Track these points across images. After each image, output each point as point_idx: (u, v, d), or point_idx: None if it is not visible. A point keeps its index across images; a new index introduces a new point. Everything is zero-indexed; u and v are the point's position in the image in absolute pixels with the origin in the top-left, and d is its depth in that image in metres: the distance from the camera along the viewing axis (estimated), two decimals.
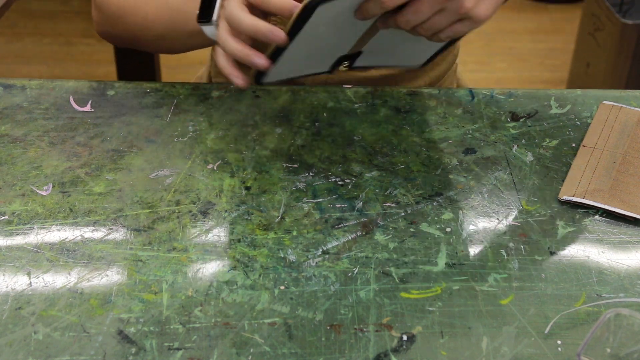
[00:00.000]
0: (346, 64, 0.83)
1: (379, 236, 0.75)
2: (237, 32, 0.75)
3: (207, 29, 0.80)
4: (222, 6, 0.78)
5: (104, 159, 0.84)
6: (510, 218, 0.78)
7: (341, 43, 0.80)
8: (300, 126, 0.89)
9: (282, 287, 0.70)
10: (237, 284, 0.70)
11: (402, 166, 0.84)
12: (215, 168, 0.83)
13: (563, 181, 0.82)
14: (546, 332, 0.66)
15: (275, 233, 0.75)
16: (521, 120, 0.91)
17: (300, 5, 0.71)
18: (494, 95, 0.95)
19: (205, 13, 0.81)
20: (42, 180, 0.80)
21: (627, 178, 0.81)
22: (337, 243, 0.74)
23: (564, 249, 0.74)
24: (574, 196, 0.79)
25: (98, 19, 0.98)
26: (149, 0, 0.91)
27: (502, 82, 2.55)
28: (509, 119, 0.91)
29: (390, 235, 0.75)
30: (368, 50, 0.82)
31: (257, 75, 0.78)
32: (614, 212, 0.78)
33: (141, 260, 0.72)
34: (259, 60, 0.74)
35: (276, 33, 0.73)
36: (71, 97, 0.93)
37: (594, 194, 0.79)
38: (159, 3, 0.90)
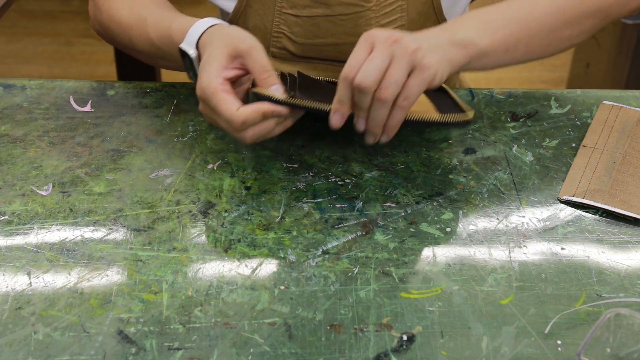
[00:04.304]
0: None
1: (379, 236, 0.75)
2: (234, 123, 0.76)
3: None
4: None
5: (104, 159, 0.84)
6: (510, 218, 0.78)
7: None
8: (301, 126, 0.89)
9: (282, 287, 0.70)
10: (237, 284, 0.70)
11: (402, 166, 0.84)
12: (215, 168, 0.83)
13: (563, 181, 0.82)
14: (546, 332, 0.66)
15: (275, 233, 0.75)
16: (521, 120, 0.91)
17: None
18: (494, 95, 0.95)
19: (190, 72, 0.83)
20: (42, 180, 0.80)
21: (627, 178, 0.81)
22: (337, 243, 0.74)
23: (563, 249, 0.74)
24: (574, 196, 0.79)
25: (92, 16, 0.98)
26: (133, 25, 0.90)
27: (502, 82, 2.55)
28: (509, 119, 0.91)
29: (390, 235, 0.75)
30: None
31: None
32: (614, 212, 0.78)
33: (141, 260, 0.72)
34: (279, 125, 0.77)
35: (278, 109, 0.75)
36: (71, 97, 0.93)
37: (594, 194, 0.79)
38: (141, 31, 0.88)
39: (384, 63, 0.73)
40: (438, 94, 0.84)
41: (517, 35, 0.81)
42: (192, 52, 0.80)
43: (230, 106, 0.74)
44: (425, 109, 0.82)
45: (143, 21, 0.88)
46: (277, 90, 0.76)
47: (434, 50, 0.74)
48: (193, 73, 0.82)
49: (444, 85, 0.86)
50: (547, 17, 0.83)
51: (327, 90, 0.87)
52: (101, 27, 0.96)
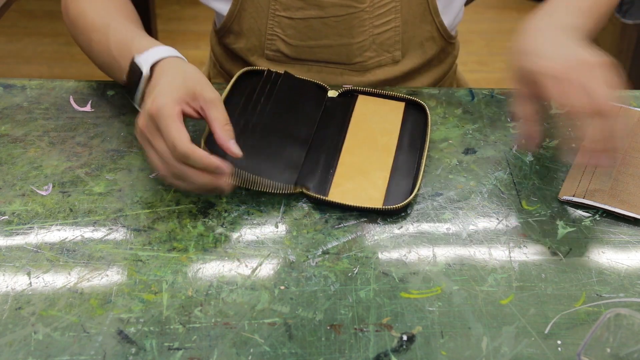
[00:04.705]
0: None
1: (379, 236, 0.75)
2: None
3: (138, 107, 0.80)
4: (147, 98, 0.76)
5: (104, 159, 0.83)
6: (510, 218, 0.78)
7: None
8: None
9: (282, 287, 0.70)
10: (237, 284, 0.70)
11: None
12: None
13: (563, 181, 0.82)
14: (546, 332, 0.66)
15: (275, 233, 0.75)
16: (521, 120, 0.91)
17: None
18: (494, 95, 0.95)
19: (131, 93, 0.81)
20: (42, 180, 0.80)
21: (627, 178, 0.81)
22: (337, 243, 0.74)
23: (564, 249, 0.74)
24: (574, 196, 0.79)
25: (64, 6, 0.96)
26: (97, 29, 0.88)
27: (502, 82, 2.55)
28: (509, 119, 0.91)
29: (391, 235, 0.75)
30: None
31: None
32: (614, 212, 0.78)
33: (141, 260, 0.72)
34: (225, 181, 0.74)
35: (225, 173, 0.73)
36: (71, 97, 0.93)
37: (594, 194, 0.79)
38: (102, 37, 0.87)
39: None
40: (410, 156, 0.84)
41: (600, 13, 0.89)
42: (145, 69, 0.78)
43: (183, 135, 0.71)
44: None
45: (106, 27, 0.87)
46: (234, 144, 0.75)
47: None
48: (135, 92, 0.80)
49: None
50: None
51: (308, 99, 0.88)
52: (69, 21, 0.94)
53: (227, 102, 0.86)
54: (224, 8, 0.99)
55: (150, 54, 0.79)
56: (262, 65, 1.00)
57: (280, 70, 0.92)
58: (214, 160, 0.71)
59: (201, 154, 0.71)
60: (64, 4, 0.95)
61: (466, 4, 1.07)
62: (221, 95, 0.86)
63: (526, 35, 0.81)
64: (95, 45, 0.88)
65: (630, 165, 0.83)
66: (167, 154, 0.72)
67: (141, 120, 0.74)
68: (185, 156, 0.71)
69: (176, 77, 0.76)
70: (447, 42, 1.04)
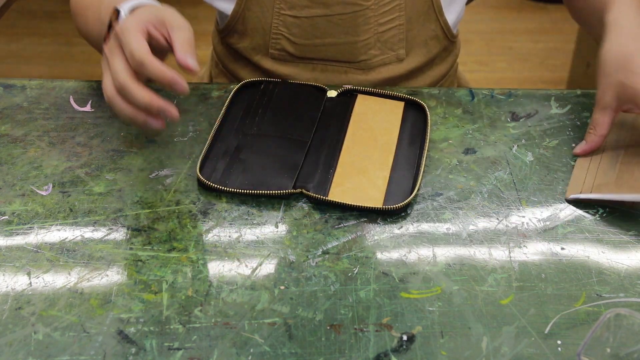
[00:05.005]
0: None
1: (379, 236, 0.75)
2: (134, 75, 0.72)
3: None
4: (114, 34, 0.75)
5: (104, 159, 0.83)
6: (510, 218, 0.78)
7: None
8: None
9: (282, 287, 0.70)
10: (237, 284, 0.70)
11: None
12: None
13: (563, 181, 0.82)
14: (546, 332, 0.66)
15: (275, 233, 0.75)
16: (521, 120, 0.91)
17: None
18: (494, 95, 0.95)
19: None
20: (42, 180, 0.80)
21: (632, 167, 0.81)
22: (337, 243, 0.74)
23: (564, 249, 0.74)
24: (581, 192, 0.79)
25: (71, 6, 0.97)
26: (89, 5, 0.89)
27: (502, 82, 2.55)
28: (509, 119, 0.91)
29: (390, 235, 0.75)
30: None
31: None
32: (622, 201, 0.77)
33: (141, 260, 0.72)
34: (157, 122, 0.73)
35: (180, 84, 0.71)
36: (71, 97, 0.93)
37: (600, 187, 0.79)
38: (95, 11, 0.87)
39: None
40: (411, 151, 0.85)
41: None
42: (123, 12, 0.76)
43: (142, 45, 0.71)
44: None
45: (99, 2, 0.86)
46: (191, 59, 0.72)
47: None
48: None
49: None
50: None
51: (306, 102, 0.88)
52: (72, 14, 0.95)
53: (227, 116, 0.87)
54: (228, 8, 0.99)
55: (131, 2, 0.78)
56: (266, 64, 1.00)
57: (284, 69, 0.92)
58: (169, 71, 0.71)
59: (157, 63, 0.70)
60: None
61: (467, 2, 1.07)
62: (220, 109, 0.87)
63: (621, 39, 0.80)
64: (91, 21, 0.88)
65: (634, 156, 0.83)
66: (121, 71, 0.71)
67: (107, 45, 0.74)
68: (141, 63, 0.70)
69: (148, 9, 0.76)
70: (449, 41, 1.05)
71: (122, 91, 0.71)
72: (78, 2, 0.93)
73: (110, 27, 0.77)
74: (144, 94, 0.71)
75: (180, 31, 0.74)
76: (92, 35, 0.90)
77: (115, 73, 0.71)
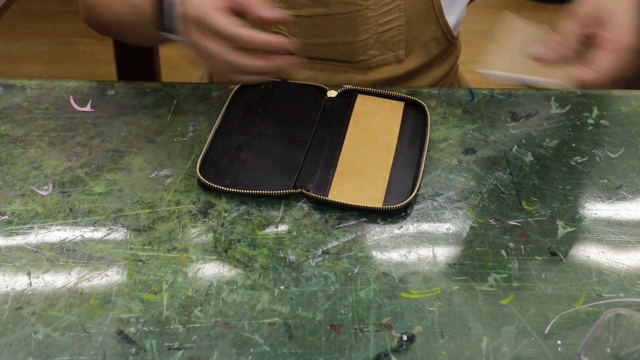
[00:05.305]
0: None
1: (379, 236, 0.75)
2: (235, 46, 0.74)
3: (173, 36, 0.80)
4: (185, 17, 0.76)
5: (104, 159, 0.83)
6: (510, 218, 0.78)
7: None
8: None
9: (282, 287, 0.70)
10: (237, 284, 0.70)
11: None
12: None
13: (563, 181, 0.82)
14: (546, 332, 0.66)
15: (275, 233, 0.75)
16: (521, 120, 0.91)
17: None
18: (494, 95, 0.95)
19: (163, 22, 0.81)
20: (42, 180, 0.80)
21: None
22: (337, 243, 0.74)
23: (564, 249, 0.74)
24: (494, 70, 0.81)
25: (81, 4, 0.98)
26: None
27: (502, 82, 2.55)
28: (509, 119, 0.91)
29: (390, 235, 0.75)
30: None
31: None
32: (526, 82, 0.80)
33: (141, 260, 0.72)
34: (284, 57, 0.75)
35: (286, 42, 0.73)
36: (71, 97, 0.93)
37: (509, 68, 0.81)
38: (125, 1, 0.88)
39: None
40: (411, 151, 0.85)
41: None
42: None
43: (234, 23, 0.71)
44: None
45: None
46: (276, 10, 0.75)
47: None
48: (163, 19, 0.80)
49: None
50: None
51: (305, 102, 0.88)
52: (86, 8, 0.95)
53: (227, 115, 0.87)
54: None
55: None
56: None
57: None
58: (273, 38, 0.73)
59: (260, 34, 0.72)
60: None
61: (468, 3, 1.07)
62: (220, 109, 0.87)
63: None
64: (118, 8, 0.89)
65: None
66: (222, 52, 0.73)
67: (190, 31, 0.74)
68: (249, 41, 0.72)
69: None
70: (450, 43, 1.05)
71: (245, 46, 0.72)
72: None
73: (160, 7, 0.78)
74: (259, 35, 0.72)
75: None
76: (121, 21, 0.90)
77: (236, 40, 0.72)
